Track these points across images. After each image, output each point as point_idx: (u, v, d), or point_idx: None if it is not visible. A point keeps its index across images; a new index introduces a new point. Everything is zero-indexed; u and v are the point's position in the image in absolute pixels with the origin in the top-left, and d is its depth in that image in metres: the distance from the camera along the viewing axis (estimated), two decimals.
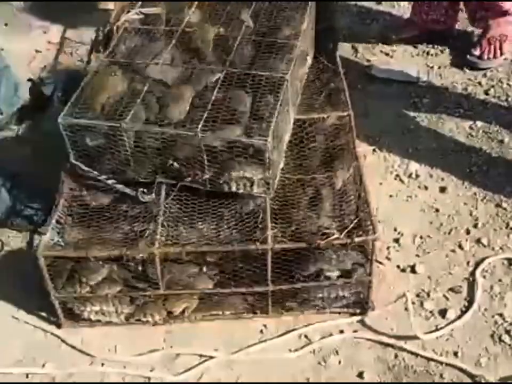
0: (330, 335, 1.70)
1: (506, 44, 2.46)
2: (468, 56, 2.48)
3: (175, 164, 1.65)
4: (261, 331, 1.71)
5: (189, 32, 1.89)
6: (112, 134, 1.63)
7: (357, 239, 1.59)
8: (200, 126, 1.60)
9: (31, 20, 2.75)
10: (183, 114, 1.66)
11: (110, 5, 2.65)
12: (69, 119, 1.65)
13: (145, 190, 1.69)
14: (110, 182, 1.70)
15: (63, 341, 1.70)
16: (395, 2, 2.90)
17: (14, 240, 1.94)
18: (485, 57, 2.46)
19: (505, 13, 2.43)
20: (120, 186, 1.70)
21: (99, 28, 2.62)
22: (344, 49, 2.55)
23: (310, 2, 2.05)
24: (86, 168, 1.70)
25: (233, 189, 1.68)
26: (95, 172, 1.70)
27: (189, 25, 1.92)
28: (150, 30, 1.93)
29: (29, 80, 2.27)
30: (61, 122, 1.65)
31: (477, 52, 2.47)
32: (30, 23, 2.74)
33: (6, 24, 2.71)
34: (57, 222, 1.64)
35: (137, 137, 1.64)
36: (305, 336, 1.69)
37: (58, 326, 1.71)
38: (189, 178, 1.67)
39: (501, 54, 2.46)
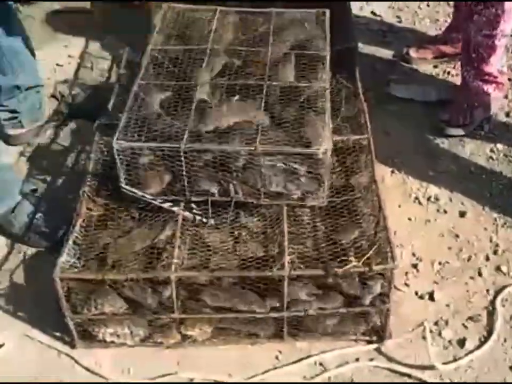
0: (346, 363, 1.67)
1: (477, 112, 2.29)
2: (437, 122, 2.31)
3: (233, 180, 1.65)
4: (276, 357, 1.69)
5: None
6: (169, 155, 1.62)
7: (375, 268, 1.57)
8: (258, 140, 1.61)
9: (52, 33, 2.77)
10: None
11: None
12: (124, 143, 1.62)
13: (204, 220, 1.68)
14: (166, 205, 1.68)
15: (76, 361, 1.69)
16: (416, 19, 2.88)
17: (31, 257, 1.93)
18: (454, 123, 2.29)
19: (486, 76, 2.24)
20: (176, 209, 1.68)
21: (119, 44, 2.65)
22: (364, 68, 2.52)
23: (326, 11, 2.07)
24: (140, 193, 1.67)
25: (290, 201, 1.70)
26: (149, 196, 1.67)
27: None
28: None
29: (52, 96, 2.28)
30: (115, 147, 1.61)
31: (445, 117, 2.31)
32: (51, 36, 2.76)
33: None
34: (74, 243, 1.64)
35: (194, 156, 1.63)
36: (321, 364, 1.67)
37: (72, 346, 1.70)
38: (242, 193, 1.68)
39: (471, 122, 2.29)
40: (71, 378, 1.66)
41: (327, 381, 1.65)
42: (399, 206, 2.09)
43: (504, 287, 1.84)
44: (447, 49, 2.56)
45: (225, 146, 1.62)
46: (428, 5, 2.91)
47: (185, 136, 1.62)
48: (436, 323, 1.76)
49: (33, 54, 2.21)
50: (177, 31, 2.03)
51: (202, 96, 1.76)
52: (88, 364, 1.68)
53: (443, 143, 2.30)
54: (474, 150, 2.27)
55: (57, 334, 1.74)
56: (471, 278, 1.88)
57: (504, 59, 2.37)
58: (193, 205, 1.71)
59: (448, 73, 2.56)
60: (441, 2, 2.90)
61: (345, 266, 1.55)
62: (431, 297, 1.82)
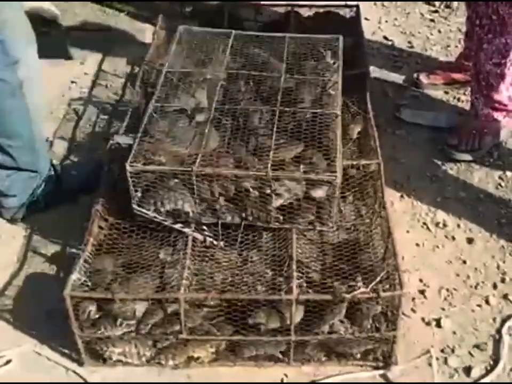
0: None
1: (487, 139, 2.30)
2: (445, 146, 2.34)
3: (246, 203, 1.67)
4: (282, 380, 1.69)
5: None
6: (181, 178, 1.64)
7: (383, 294, 1.58)
8: (269, 165, 1.63)
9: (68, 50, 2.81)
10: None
11: (147, 38, 2.71)
12: (137, 166, 1.64)
13: (215, 242, 1.70)
14: (177, 226, 1.70)
15: (83, 379, 1.69)
16: (427, 45, 2.91)
17: (42, 273, 1.95)
18: (462, 148, 2.31)
19: (496, 104, 2.26)
20: (188, 230, 1.70)
21: (134, 63, 2.69)
22: (374, 92, 2.54)
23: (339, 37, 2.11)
24: (152, 214, 1.68)
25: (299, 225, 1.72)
26: (160, 217, 1.69)
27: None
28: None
29: (67, 114, 2.29)
30: (129, 169, 1.63)
31: (454, 142, 2.33)
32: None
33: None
34: (85, 261, 1.65)
35: (207, 179, 1.65)
36: None
37: (80, 364, 1.71)
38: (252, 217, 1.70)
39: (479, 148, 2.31)
40: None
41: None
42: (407, 232, 2.10)
43: (510, 316, 1.84)
44: (457, 76, 2.58)
45: (237, 171, 1.64)
46: (440, 31, 2.95)
47: (198, 160, 1.65)
48: (442, 350, 1.76)
49: None
50: (192, 54, 2.06)
51: (216, 119, 1.78)
52: (95, 382, 1.69)
53: (451, 169, 2.31)
54: (483, 177, 2.28)
55: (66, 351, 1.74)
56: (478, 305, 1.88)
57: None
58: (203, 227, 1.73)
59: (459, 99, 2.58)
60: (453, 29, 2.94)
61: (353, 292, 1.56)
62: (438, 324, 1.82)
